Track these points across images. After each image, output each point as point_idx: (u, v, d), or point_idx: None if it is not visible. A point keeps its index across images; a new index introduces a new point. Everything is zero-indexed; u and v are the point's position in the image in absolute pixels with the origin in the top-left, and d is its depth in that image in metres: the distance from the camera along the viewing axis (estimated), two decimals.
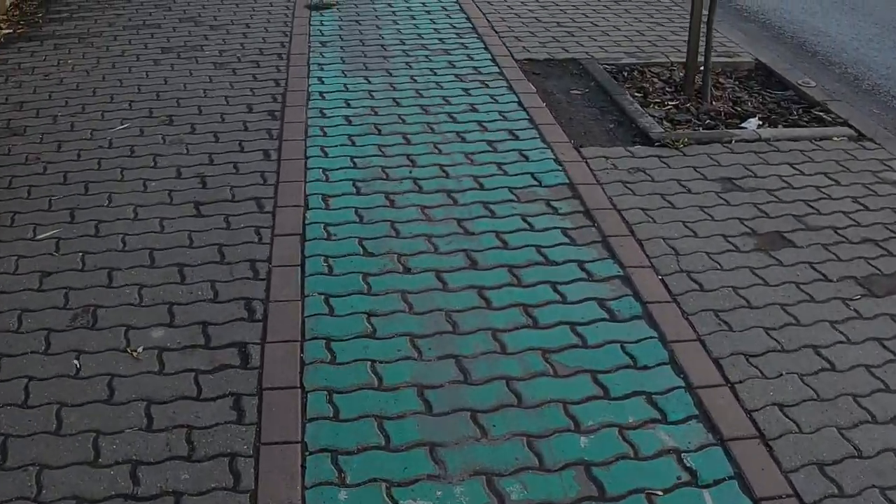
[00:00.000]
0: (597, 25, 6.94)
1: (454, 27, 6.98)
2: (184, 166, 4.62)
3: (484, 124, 5.17)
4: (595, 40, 6.59)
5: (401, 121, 5.21)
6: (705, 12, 5.40)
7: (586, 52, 6.33)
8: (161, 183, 4.44)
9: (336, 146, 4.88)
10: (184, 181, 4.47)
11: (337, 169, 4.61)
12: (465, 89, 5.69)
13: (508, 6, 7.47)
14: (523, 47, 6.45)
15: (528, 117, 5.27)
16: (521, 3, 7.54)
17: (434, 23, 7.07)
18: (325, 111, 5.37)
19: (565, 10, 7.37)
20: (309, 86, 5.79)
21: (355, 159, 4.71)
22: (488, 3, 7.56)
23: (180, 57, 6.22)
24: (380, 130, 5.07)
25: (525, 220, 4.14)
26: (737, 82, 5.93)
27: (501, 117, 5.26)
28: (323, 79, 5.92)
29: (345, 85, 5.80)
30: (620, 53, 6.34)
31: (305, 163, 4.66)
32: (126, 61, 6.11)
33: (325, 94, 5.65)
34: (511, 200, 4.31)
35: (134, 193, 4.35)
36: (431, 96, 5.58)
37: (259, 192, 4.35)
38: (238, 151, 4.79)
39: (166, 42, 6.53)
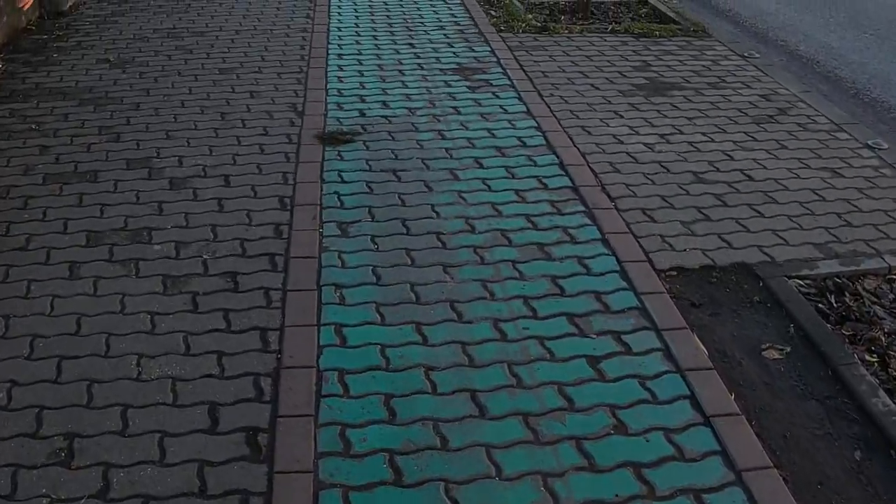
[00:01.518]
0: (756, 182, 4.86)
1: (543, 183, 4.73)
2: None
3: (633, 434, 3.08)
4: (763, 214, 4.51)
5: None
6: None
7: (759, 247, 4.22)
8: None
9: None
10: None
11: None
12: (594, 357, 3.42)
13: (616, 139, 5.34)
14: (661, 237, 4.25)
15: (711, 432, 3.08)
16: (632, 130, 5.50)
17: (513, 176, 4.79)
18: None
19: (700, 147, 5.27)
20: (320, 358, 3.40)
21: None
22: (584, 130, 5.42)
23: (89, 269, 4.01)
24: None
25: None
26: None
27: (663, 426, 3.10)
28: (344, 331, 3.53)
29: (382, 350, 3.43)
30: (810, 247, 4.24)
31: None
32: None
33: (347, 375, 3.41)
34: None
35: None
36: (538, 383, 3.29)
37: None
38: None
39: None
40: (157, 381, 3.23)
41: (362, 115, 5.65)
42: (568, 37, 7.26)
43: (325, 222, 4.29)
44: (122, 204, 4.44)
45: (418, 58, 6.66)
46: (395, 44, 7.00)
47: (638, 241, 4.23)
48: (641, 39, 7.25)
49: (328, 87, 6.14)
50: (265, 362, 3.33)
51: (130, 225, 4.25)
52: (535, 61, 6.61)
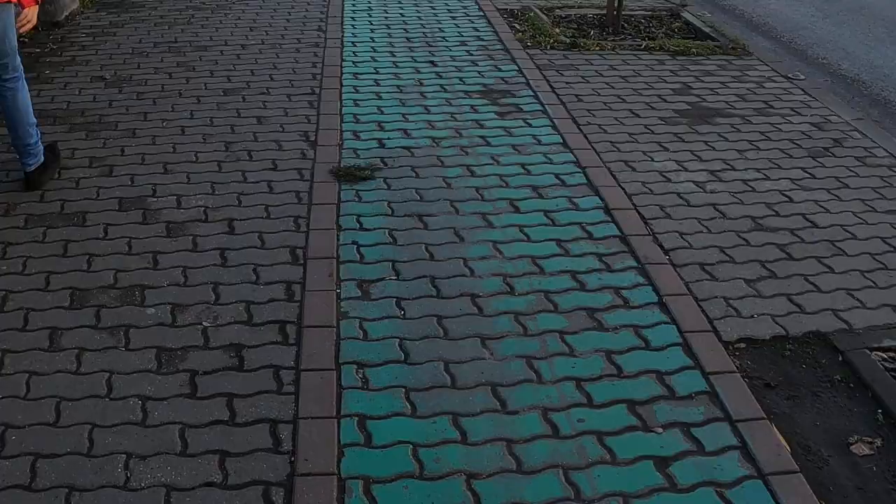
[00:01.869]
0: (821, 229, 4.35)
1: (588, 231, 4.22)
2: None
3: None
4: (832, 269, 4.01)
5: None
6: None
7: (833, 311, 3.71)
8: None
9: None
10: None
11: None
12: (662, 459, 2.90)
13: (663, 176, 4.80)
14: (724, 300, 3.74)
15: None
16: (679, 165, 4.93)
17: (553, 222, 4.29)
18: None
19: (755, 186, 4.75)
20: (342, 461, 2.79)
21: None
22: (627, 166, 4.89)
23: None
24: None
25: None
26: None
27: None
28: (368, 426, 3.00)
29: (414, 453, 2.89)
30: (888, 310, 3.75)
31: None
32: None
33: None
34: None
35: None
36: (600, 495, 2.76)
37: None
38: None
39: None
40: (149, 490, 2.72)
41: (381, 145, 5.13)
42: (600, 54, 6.73)
43: (344, 280, 3.77)
44: (112, 255, 3.92)
45: (440, 78, 6.14)
46: (415, 61, 6.47)
47: (699, 306, 3.71)
48: (678, 58, 6.71)
49: (343, 111, 5.61)
50: (276, 467, 2.80)
51: (121, 281, 3.73)
52: (567, 83, 6.08)
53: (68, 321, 3.47)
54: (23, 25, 4.15)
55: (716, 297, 3.77)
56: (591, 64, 6.50)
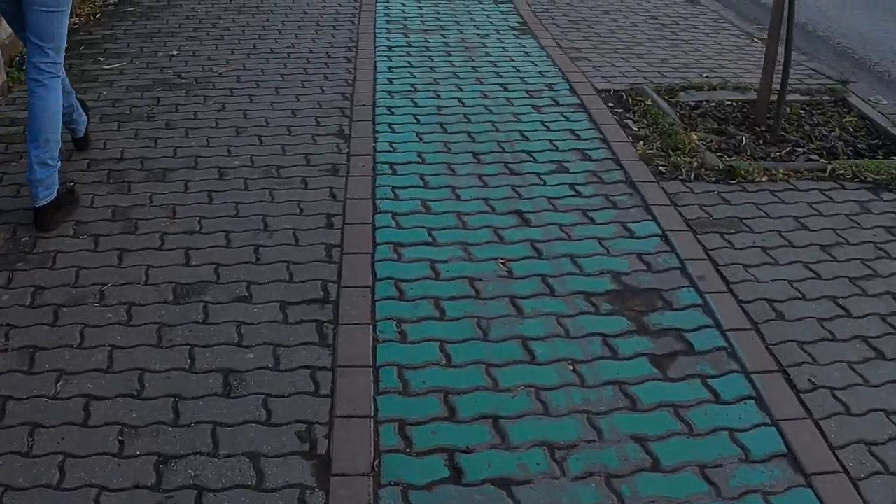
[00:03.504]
0: None
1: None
2: None
3: None
4: None
5: None
6: None
7: None
8: None
9: None
10: None
11: None
12: None
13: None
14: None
15: None
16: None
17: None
18: None
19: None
20: None
21: None
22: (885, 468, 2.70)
23: None
24: None
25: None
26: None
27: None
28: None
29: None
30: None
31: None
32: None
33: None
34: None
35: None
36: None
37: None
38: None
39: None
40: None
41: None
42: (772, 191, 4.37)
43: None
44: None
45: (535, 254, 3.73)
46: (489, 206, 4.08)
47: None
48: (884, 195, 4.35)
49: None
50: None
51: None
52: (743, 264, 3.72)
53: None
54: None
55: None
56: (764, 212, 4.15)
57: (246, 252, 3.60)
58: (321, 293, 3.34)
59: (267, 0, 7.26)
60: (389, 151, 4.50)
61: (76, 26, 6.43)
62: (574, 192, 4.19)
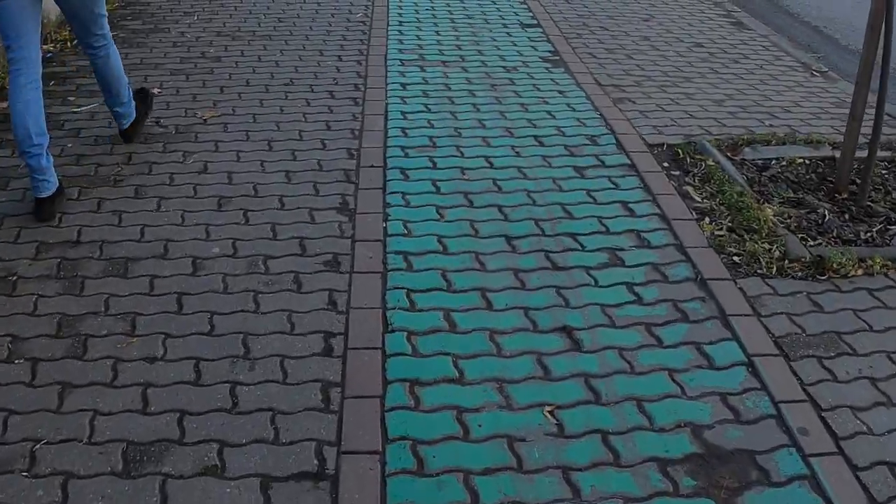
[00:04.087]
0: None
1: None
2: None
3: None
4: None
5: None
6: None
7: None
8: None
9: None
10: None
11: None
12: None
13: None
14: None
15: None
16: None
17: None
18: None
19: None
20: None
21: None
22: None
23: None
24: None
25: None
26: None
27: None
28: None
29: None
30: None
31: None
32: None
33: None
34: None
35: None
36: None
37: None
38: None
39: None
40: None
41: None
42: (870, 290, 3.56)
43: None
44: None
45: (592, 395, 2.91)
46: (532, 325, 3.24)
47: None
48: None
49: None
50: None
51: None
52: (851, 406, 2.91)
53: None
54: None
55: None
56: (866, 324, 3.35)
57: (220, 393, 2.81)
58: (315, 462, 2.55)
59: (265, 23, 6.45)
60: (403, 235, 3.69)
61: (49, 55, 5.65)
62: (633, 297, 3.37)
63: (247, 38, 6.12)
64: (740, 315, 3.32)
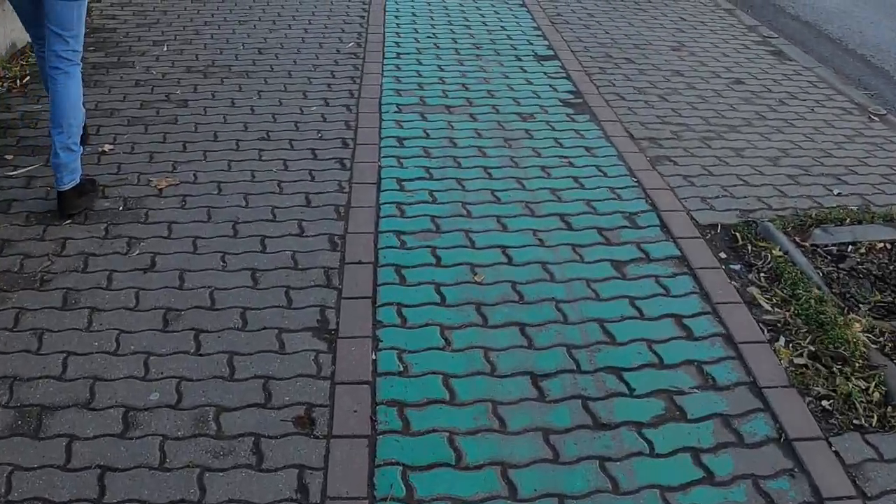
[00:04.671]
0: None
1: None
2: None
3: None
4: None
5: None
6: None
7: None
8: None
9: None
10: None
11: None
12: None
13: None
14: None
15: None
16: None
17: None
18: None
19: None
20: None
21: None
22: None
23: None
24: None
25: None
26: None
27: None
28: None
29: None
30: None
31: None
32: None
33: None
34: None
35: None
36: None
37: None
38: None
39: None
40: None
41: None
42: None
43: None
44: None
45: None
46: None
47: None
48: None
49: None
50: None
51: None
52: None
53: None
54: None
55: None
56: None
57: None
58: None
59: (243, 55, 5.61)
60: (399, 374, 2.85)
61: None
62: (702, 472, 2.55)
63: (221, 74, 5.28)
64: (841, 498, 2.50)
